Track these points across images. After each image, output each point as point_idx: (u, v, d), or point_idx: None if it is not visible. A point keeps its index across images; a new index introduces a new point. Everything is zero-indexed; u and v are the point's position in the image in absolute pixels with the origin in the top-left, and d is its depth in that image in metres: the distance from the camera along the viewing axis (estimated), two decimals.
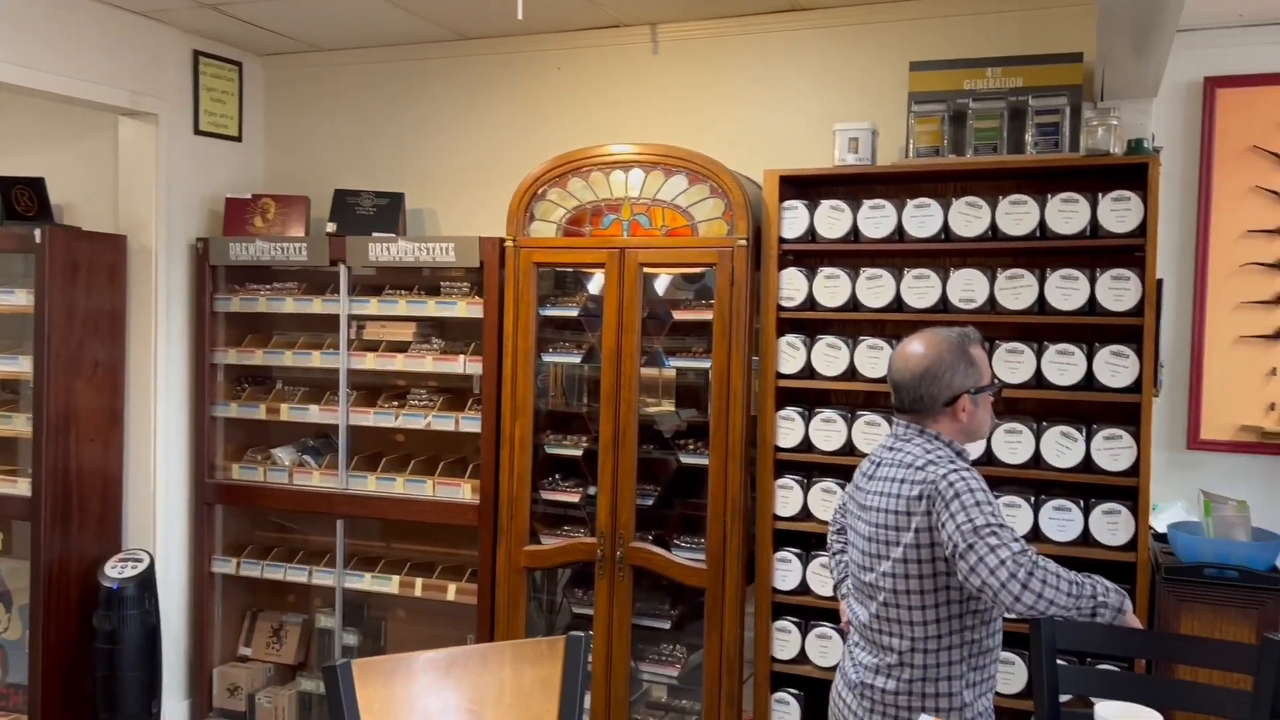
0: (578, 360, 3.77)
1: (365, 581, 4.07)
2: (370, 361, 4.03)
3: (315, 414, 4.13)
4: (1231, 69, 3.54)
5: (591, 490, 3.67)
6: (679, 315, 3.63)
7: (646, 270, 3.58)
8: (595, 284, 3.74)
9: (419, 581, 3.98)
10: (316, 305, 4.12)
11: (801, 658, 3.42)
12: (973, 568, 2.10)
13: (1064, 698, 2.61)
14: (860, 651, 2.37)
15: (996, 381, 2.41)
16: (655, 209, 3.58)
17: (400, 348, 4.03)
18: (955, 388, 2.30)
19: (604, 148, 3.65)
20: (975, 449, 3.19)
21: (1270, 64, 3.49)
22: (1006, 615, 2.32)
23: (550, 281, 3.93)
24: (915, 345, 2.36)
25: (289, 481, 4.16)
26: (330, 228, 4.20)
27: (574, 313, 3.75)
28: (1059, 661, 2.20)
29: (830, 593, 3.33)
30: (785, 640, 3.43)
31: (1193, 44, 3.56)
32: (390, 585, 4.02)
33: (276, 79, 4.79)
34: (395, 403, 4.07)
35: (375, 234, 4.08)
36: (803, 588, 3.42)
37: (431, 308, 3.95)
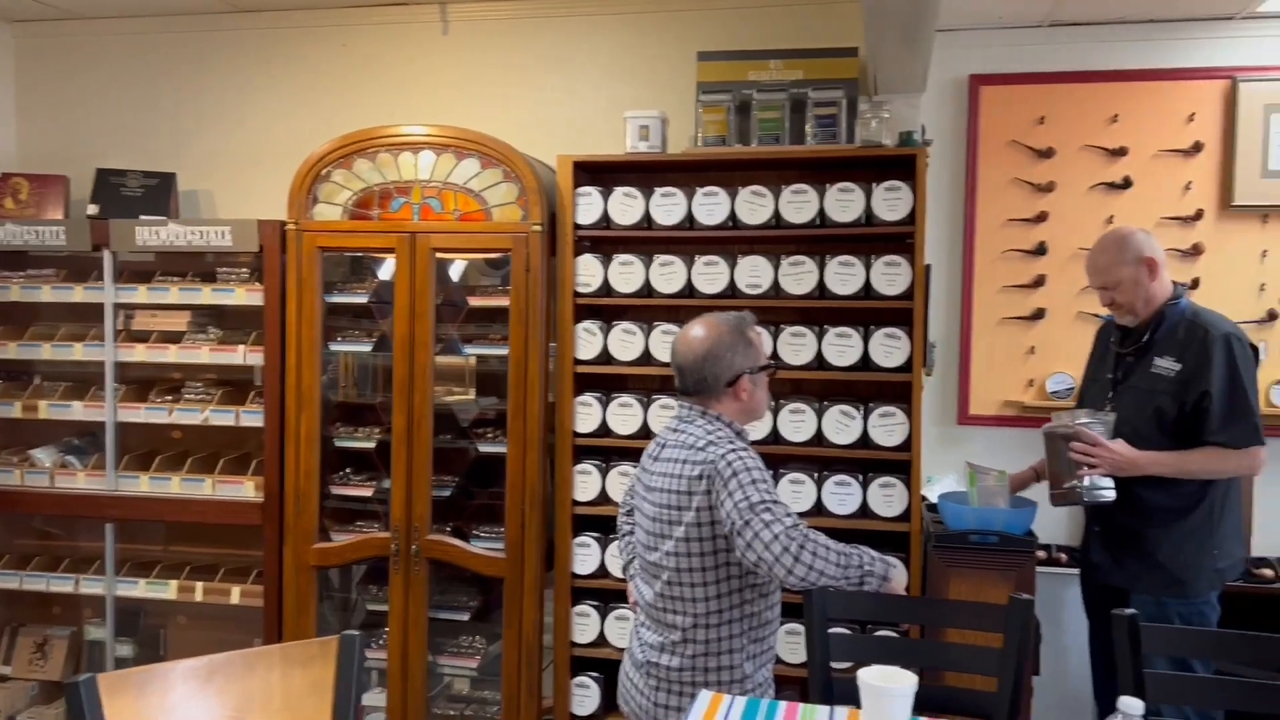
0: (369, 349, 3.65)
1: (139, 588, 3.80)
2: (140, 353, 3.75)
3: (79, 411, 3.82)
4: (994, 68, 3.79)
5: (386, 483, 3.56)
6: (475, 301, 3.56)
7: (440, 255, 3.49)
8: (386, 270, 3.63)
9: (199, 586, 3.75)
10: (78, 294, 3.80)
11: (601, 641, 3.44)
12: (749, 543, 2.16)
13: (845, 665, 2.74)
14: (646, 631, 2.40)
15: (773, 362, 2.49)
16: (447, 192, 3.49)
17: (174, 338, 3.77)
18: (736, 368, 2.36)
19: (393, 128, 3.54)
20: (763, 429, 3.30)
21: (1027, 64, 3.76)
22: (784, 588, 2.41)
23: (338, 267, 3.78)
24: (696, 329, 2.41)
25: (50, 484, 3.83)
26: (92, 210, 3.88)
27: (364, 299, 3.62)
28: (843, 631, 2.30)
29: None
30: (585, 624, 3.44)
31: (959, 43, 3.79)
32: (168, 591, 3.77)
33: (29, 48, 4.38)
34: (169, 397, 3.81)
35: (143, 217, 3.80)
36: (601, 571, 3.45)
37: (207, 295, 3.72)
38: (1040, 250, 3.77)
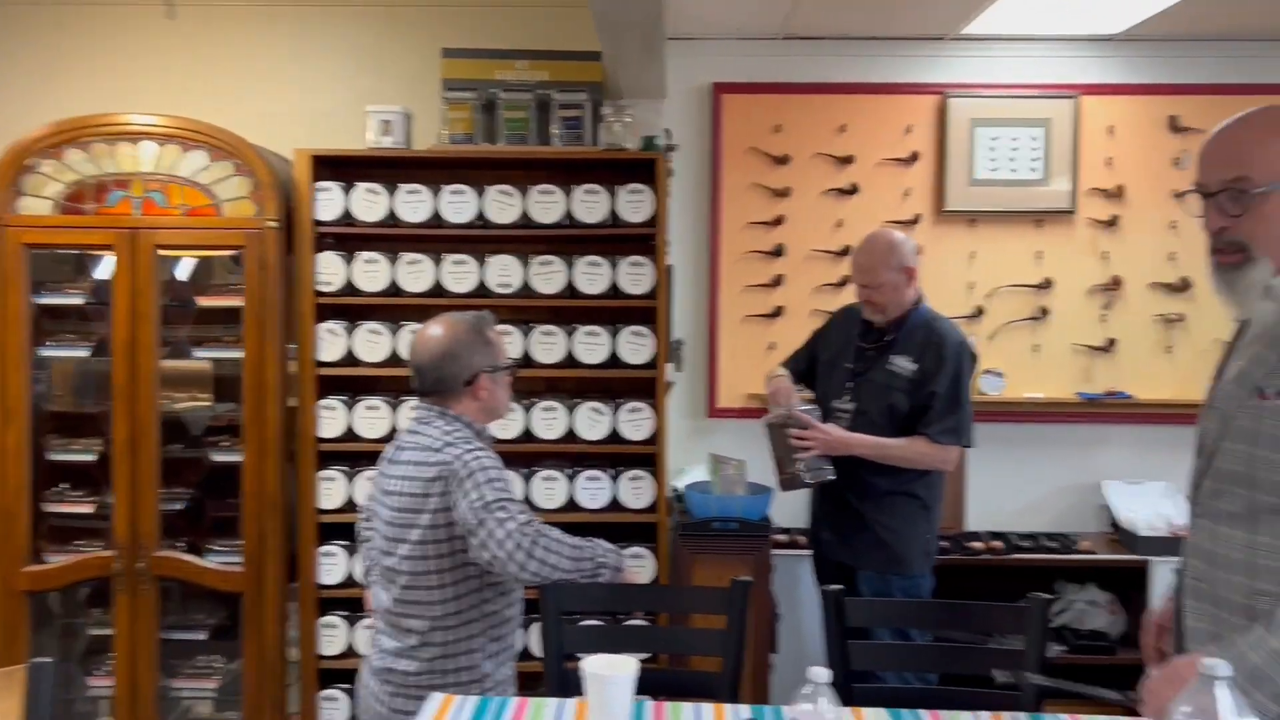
0: (86, 354, 3.37)
1: None
2: None
3: None
4: (734, 77, 3.97)
5: (110, 498, 3.30)
6: (205, 302, 3.37)
7: (164, 253, 3.28)
8: (105, 268, 3.36)
9: None
10: None
11: (350, 652, 3.34)
12: (483, 543, 2.16)
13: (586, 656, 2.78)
14: (383, 637, 2.35)
15: (513, 361, 2.50)
16: (173, 186, 3.28)
17: None
18: (474, 367, 2.35)
19: (110, 117, 3.29)
20: (515, 428, 3.31)
21: (765, 74, 3.96)
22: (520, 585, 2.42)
23: (59, 265, 3.48)
24: (434, 329, 2.38)
25: None
26: None
27: (79, 300, 3.35)
28: (594, 623, 2.33)
29: None
30: (332, 636, 3.33)
31: (702, 52, 3.94)
32: None
33: None
34: None
35: None
36: (349, 581, 3.34)
37: None
38: (778, 252, 3.98)
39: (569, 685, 2.19)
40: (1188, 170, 2.23)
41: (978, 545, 3.71)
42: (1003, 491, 3.98)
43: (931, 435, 2.86)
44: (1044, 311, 3.96)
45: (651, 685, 2.38)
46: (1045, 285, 3.96)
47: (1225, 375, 1.69)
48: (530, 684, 2.42)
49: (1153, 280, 3.94)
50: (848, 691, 2.13)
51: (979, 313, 3.98)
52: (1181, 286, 3.91)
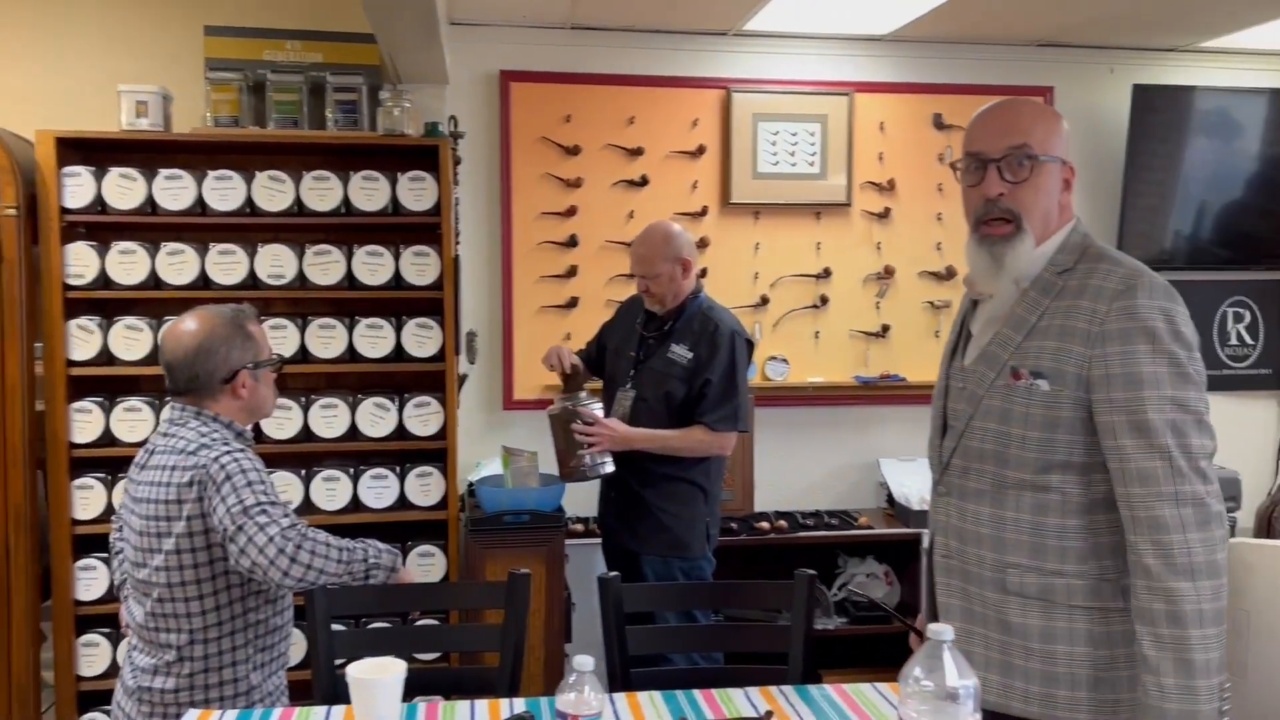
0: None
1: None
2: None
3: None
4: (523, 65, 3.93)
5: None
6: None
7: None
8: None
9: None
10: None
11: (113, 671, 3.10)
12: (242, 549, 2.04)
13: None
14: (138, 654, 2.19)
15: (278, 357, 2.38)
16: None
17: None
18: (233, 364, 2.22)
19: None
20: (294, 427, 3.16)
21: (552, 63, 3.94)
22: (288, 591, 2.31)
23: None
24: (188, 323, 2.23)
25: None
26: None
27: None
28: (383, 626, 2.24)
29: None
30: (93, 655, 3.09)
31: (489, 38, 3.88)
32: None
33: None
34: None
35: None
36: (110, 595, 3.10)
37: None
38: (572, 242, 3.98)
39: (341, 693, 2.11)
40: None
41: (765, 525, 3.84)
42: (788, 473, 4.13)
43: (708, 423, 2.92)
44: (824, 300, 4.13)
45: (437, 685, 2.34)
46: (825, 275, 4.13)
47: (966, 356, 1.77)
48: (308, 694, 2.32)
49: (921, 269, 4.18)
50: (628, 676, 2.15)
51: (764, 301, 4.11)
52: (947, 275, 4.17)
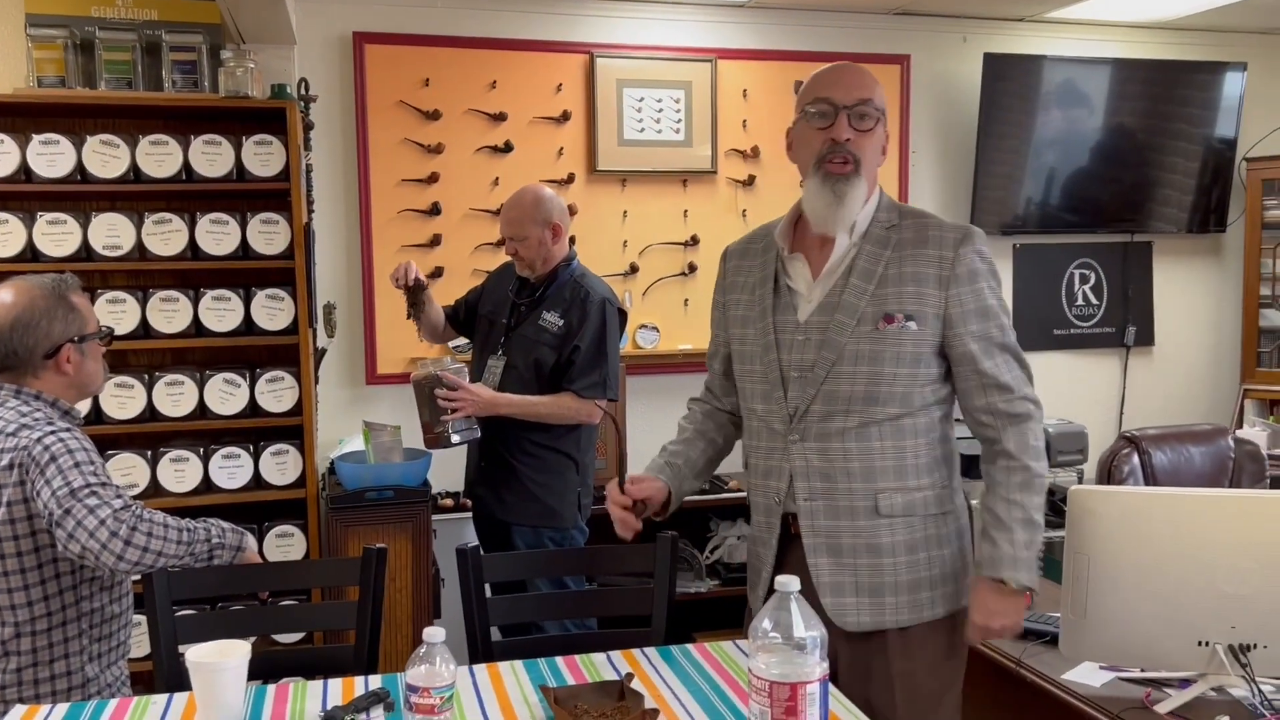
0: None
1: None
2: None
3: None
4: (378, 26, 3.78)
5: None
6: None
7: None
8: None
9: None
10: None
11: None
12: (71, 534, 1.92)
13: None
14: None
15: (106, 329, 2.23)
16: None
17: None
18: (55, 338, 2.07)
19: None
20: (137, 406, 2.99)
21: (409, 25, 3.81)
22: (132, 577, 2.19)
23: None
24: (3, 295, 2.07)
25: None
26: None
27: None
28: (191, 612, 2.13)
29: None
30: None
31: None
32: None
33: None
34: None
35: None
36: None
37: None
38: (435, 210, 3.87)
39: (185, 680, 2.01)
40: None
41: None
42: (660, 440, 4.06)
43: (575, 390, 2.90)
44: (692, 267, 4.14)
45: (301, 666, 2.25)
46: (693, 242, 4.14)
47: (799, 311, 1.85)
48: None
49: None
50: (490, 647, 2.11)
51: (633, 269, 4.09)
52: None
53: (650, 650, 1.99)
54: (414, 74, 3.82)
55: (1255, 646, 1.99)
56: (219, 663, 1.66)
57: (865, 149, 1.82)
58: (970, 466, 1.95)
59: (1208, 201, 4.64)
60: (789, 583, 1.38)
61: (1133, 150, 4.51)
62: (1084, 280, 4.64)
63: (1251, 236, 4.64)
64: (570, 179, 3.99)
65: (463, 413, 2.82)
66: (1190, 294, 4.83)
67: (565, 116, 3.97)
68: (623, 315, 3.05)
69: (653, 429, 4.09)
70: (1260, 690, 1.99)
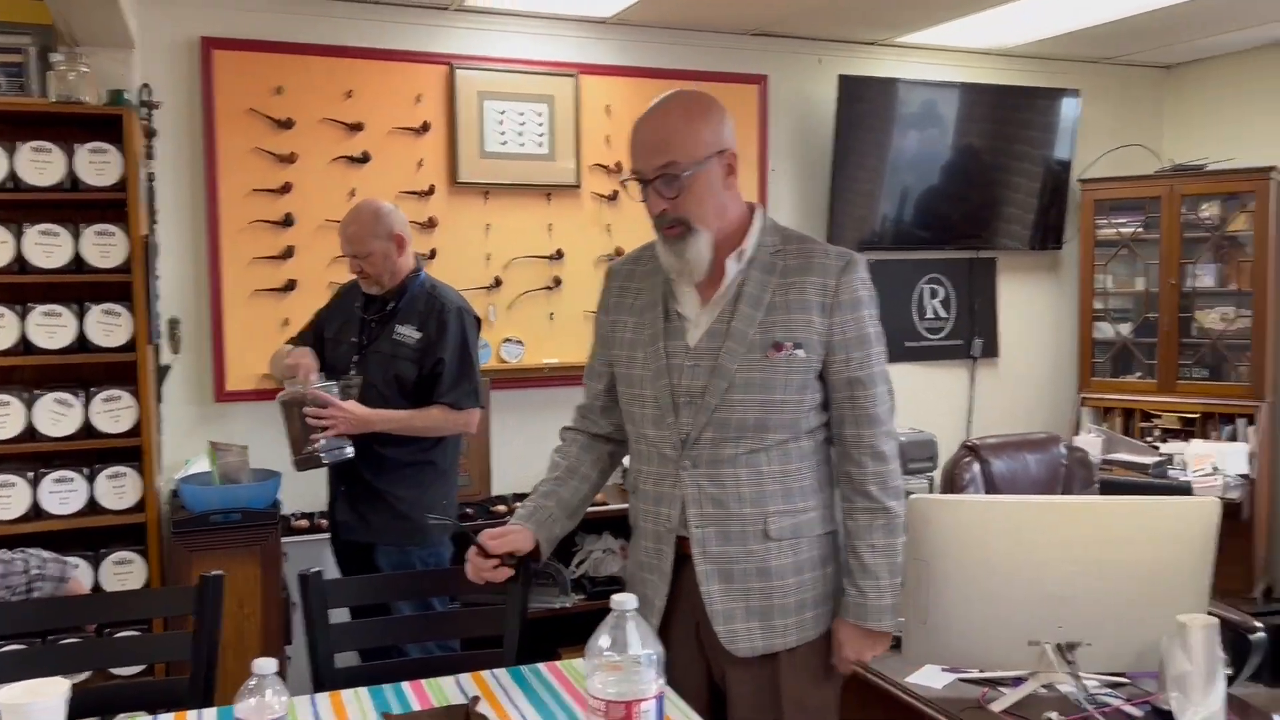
0: None
1: None
2: None
3: None
4: (228, 31, 3.65)
5: None
6: None
7: None
8: None
9: None
10: None
11: None
12: None
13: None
14: None
15: None
16: None
17: None
18: None
19: None
20: None
21: (262, 31, 3.69)
22: None
23: None
24: None
25: None
26: None
27: None
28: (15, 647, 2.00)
29: None
30: None
31: (186, 2, 3.58)
32: None
33: None
34: None
35: None
36: None
37: None
38: (288, 221, 3.75)
39: None
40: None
41: (502, 509, 3.80)
42: (526, 455, 4.09)
43: (449, 402, 2.85)
44: (557, 281, 4.13)
45: (136, 701, 2.13)
46: (557, 256, 4.13)
47: (689, 336, 1.84)
48: None
49: None
50: (335, 675, 2.04)
51: (497, 283, 4.06)
52: None
53: (501, 671, 1.97)
54: (266, 81, 3.70)
55: (1081, 644, 2.10)
56: (27, 704, 1.56)
57: (687, 208, 1.77)
58: None
59: (1046, 220, 4.90)
60: (625, 601, 1.38)
61: (980, 171, 4.72)
62: (933, 295, 4.84)
63: (1086, 253, 4.93)
64: (431, 191, 3.93)
65: (333, 431, 2.74)
66: (1031, 308, 5.09)
67: (425, 128, 3.91)
68: (478, 323, 3.02)
69: (519, 443, 4.06)
70: (1085, 686, 2.10)
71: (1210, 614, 2.05)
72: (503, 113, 3.99)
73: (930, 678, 2.28)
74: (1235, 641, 2.70)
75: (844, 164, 4.43)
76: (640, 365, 1.89)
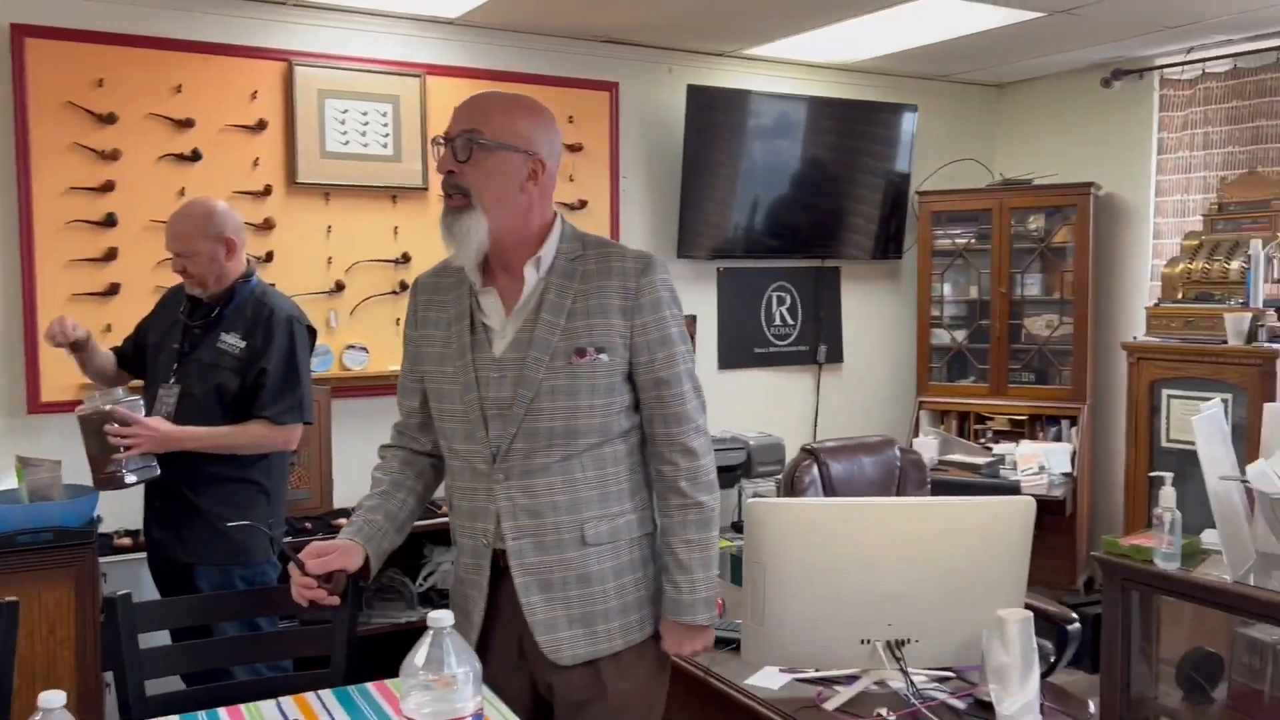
0: None
1: None
2: None
3: None
4: (42, 19, 3.42)
5: None
6: None
7: None
8: None
9: None
10: None
11: None
12: None
13: None
14: None
15: None
16: None
17: None
18: None
19: None
20: None
21: (81, 20, 3.47)
22: None
23: None
24: None
25: None
26: None
27: None
28: None
29: None
30: None
31: None
32: None
33: None
34: None
35: None
36: None
37: None
38: (110, 221, 3.54)
39: None
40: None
41: (343, 522, 3.65)
42: (370, 464, 3.91)
43: (269, 416, 2.72)
44: (403, 285, 4.03)
45: None
46: (404, 260, 4.03)
47: (495, 346, 1.81)
48: None
49: None
50: (145, 703, 1.92)
51: (339, 287, 3.93)
52: None
53: (326, 692, 1.89)
54: (85, 73, 3.48)
55: (909, 641, 2.17)
56: None
57: (473, 180, 1.73)
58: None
59: (887, 230, 5.08)
60: (441, 618, 1.34)
61: (826, 182, 4.86)
62: (781, 302, 4.95)
63: (924, 263, 5.13)
64: (268, 191, 3.78)
65: (137, 450, 2.58)
66: (873, 315, 5.26)
67: (261, 125, 3.75)
68: (312, 333, 2.90)
69: (363, 453, 3.89)
70: (913, 681, 2.16)
71: (1028, 607, 2.15)
72: (345, 112, 3.87)
73: (769, 679, 2.31)
74: (1057, 632, 2.85)
75: (695, 172, 4.48)
76: (449, 380, 1.85)
